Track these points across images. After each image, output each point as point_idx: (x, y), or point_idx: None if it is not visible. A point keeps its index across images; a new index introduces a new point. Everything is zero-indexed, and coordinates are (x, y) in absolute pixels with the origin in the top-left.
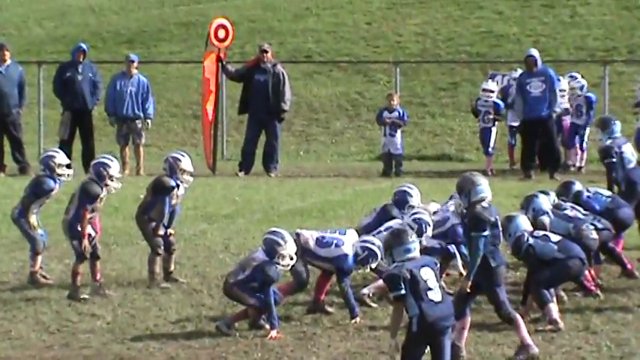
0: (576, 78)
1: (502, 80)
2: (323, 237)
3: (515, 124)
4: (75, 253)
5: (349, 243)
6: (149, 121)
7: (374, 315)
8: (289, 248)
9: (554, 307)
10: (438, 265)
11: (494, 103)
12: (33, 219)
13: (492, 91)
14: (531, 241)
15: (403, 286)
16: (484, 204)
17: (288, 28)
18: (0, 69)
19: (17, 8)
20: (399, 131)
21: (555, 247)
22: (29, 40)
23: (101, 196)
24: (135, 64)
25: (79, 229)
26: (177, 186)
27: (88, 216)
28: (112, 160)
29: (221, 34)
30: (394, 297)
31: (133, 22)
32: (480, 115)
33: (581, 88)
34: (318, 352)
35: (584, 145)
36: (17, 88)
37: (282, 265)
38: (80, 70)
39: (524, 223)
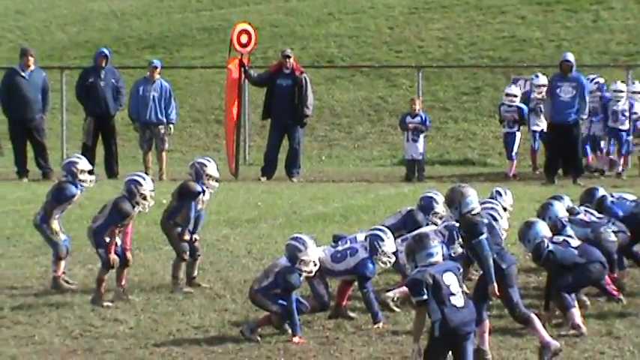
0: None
1: (524, 85)
2: (337, 252)
3: (538, 128)
4: (101, 260)
5: (362, 246)
6: (172, 126)
7: (396, 320)
8: (311, 254)
9: (576, 312)
10: (462, 270)
11: (518, 107)
12: (55, 224)
13: (516, 96)
14: (551, 247)
15: (426, 291)
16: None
17: (311, 33)
18: (24, 74)
19: (40, 13)
20: (421, 136)
21: (576, 252)
22: (52, 46)
23: (132, 214)
24: (158, 70)
25: (104, 239)
26: (203, 191)
27: (117, 230)
28: (144, 179)
29: (244, 39)
30: (417, 302)
31: (155, 27)
32: (504, 120)
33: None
34: (341, 357)
35: (628, 149)
36: (41, 94)
37: (305, 271)
38: (102, 75)
39: (543, 229)
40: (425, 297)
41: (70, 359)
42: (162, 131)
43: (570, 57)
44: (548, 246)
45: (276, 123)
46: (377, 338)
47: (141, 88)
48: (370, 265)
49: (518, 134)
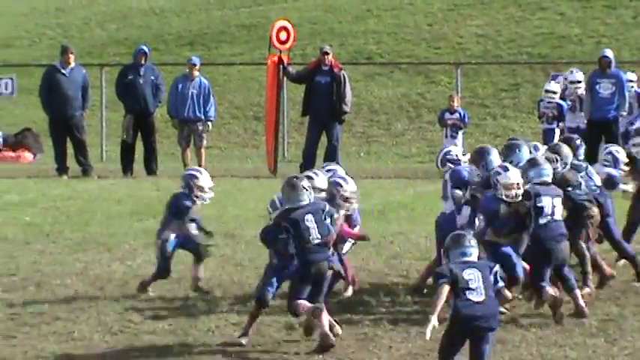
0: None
1: (563, 81)
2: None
3: (574, 125)
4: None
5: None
6: (210, 123)
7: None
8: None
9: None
10: (496, 270)
11: (557, 104)
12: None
13: (555, 92)
14: None
15: (446, 279)
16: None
17: (349, 30)
18: (64, 72)
19: (79, 11)
20: (460, 132)
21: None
22: (91, 43)
23: (191, 207)
24: (197, 67)
25: (166, 248)
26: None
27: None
28: (200, 172)
29: (283, 36)
30: (439, 284)
31: (194, 24)
32: (543, 116)
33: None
34: (380, 354)
35: None
36: (81, 91)
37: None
38: (142, 72)
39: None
40: (444, 280)
41: (109, 356)
42: (201, 128)
43: (609, 53)
44: None
45: (314, 120)
46: (416, 335)
47: (180, 85)
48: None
49: (557, 130)
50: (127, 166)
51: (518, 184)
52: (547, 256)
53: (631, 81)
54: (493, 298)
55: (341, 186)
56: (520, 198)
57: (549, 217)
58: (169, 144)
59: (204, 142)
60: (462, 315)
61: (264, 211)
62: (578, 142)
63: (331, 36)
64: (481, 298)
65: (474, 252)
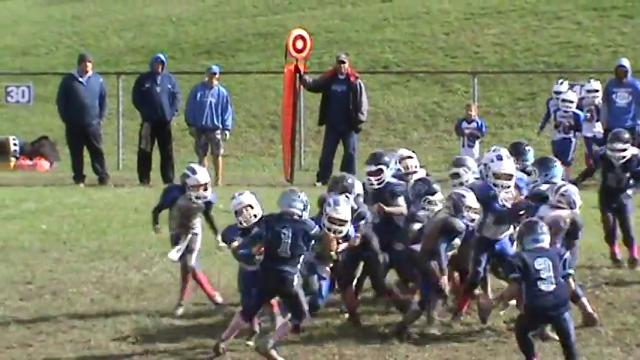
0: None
1: (580, 91)
2: None
3: (591, 134)
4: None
5: None
6: (227, 132)
7: (452, 325)
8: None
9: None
10: (565, 257)
11: (574, 113)
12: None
13: (572, 102)
14: None
15: (518, 271)
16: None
17: (366, 39)
18: (82, 80)
19: (96, 19)
20: (477, 142)
21: None
22: (108, 51)
23: (190, 207)
24: (216, 76)
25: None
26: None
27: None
28: (193, 171)
29: (299, 44)
30: (511, 278)
31: (211, 33)
32: (560, 125)
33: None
34: None
35: None
36: (98, 99)
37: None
38: (159, 81)
39: None
40: (517, 275)
41: None
42: (218, 137)
43: (625, 62)
44: None
45: (330, 128)
46: (432, 344)
47: (199, 93)
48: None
49: (574, 140)
50: (143, 174)
51: (509, 175)
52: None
53: (597, 90)
54: (563, 284)
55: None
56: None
57: None
58: (186, 152)
59: (222, 151)
60: (533, 305)
61: None
62: (527, 147)
63: (348, 45)
64: (552, 288)
65: (546, 239)
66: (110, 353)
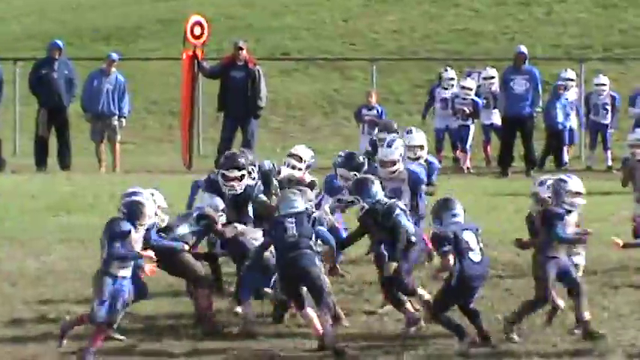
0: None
1: (478, 78)
2: None
3: (488, 122)
4: None
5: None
6: (123, 119)
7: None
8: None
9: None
10: (480, 231)
11: (473, 100)
12: None
13: (471, 89)
14: None
15: (449, 244)
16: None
17: (267, 26)
18: None
19: None
20: (376, 129)
21: None
22: (5, 37)
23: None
24: (115, 63)
25: None
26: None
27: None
28: (145, 199)
29: (197, 31)
30: (441, 253)
31: (110, 19)
32: (458, 112)
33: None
34: None
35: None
36: None
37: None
38: (56, 67)
39: None
40: (448, 248)
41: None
42: (115, 123)
43: (524, 49)
44: None
45: (229, 115)
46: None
47: (95, 80)
48: None
49: (472, 127)
50: (40, 160)
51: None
52: None
53: (492, 77)
54: (486, 257)
55: None
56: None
57: None
58: (83, 139)
59: (118, 137)
60: (467, 275)
61: (178, 206)
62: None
63: (248, 31)
64: (479, 258)
65: (461, 213)
66: (5, 339)
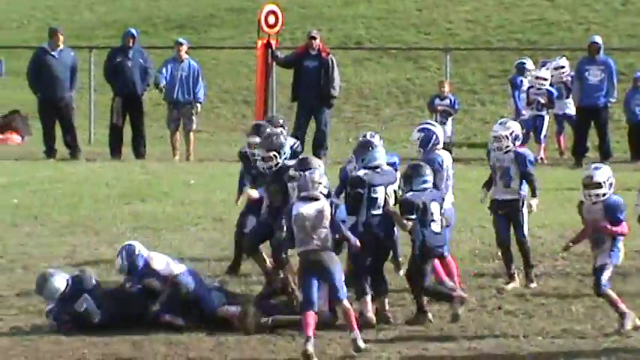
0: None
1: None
2: None
3: (561, 112)
4: None
5: None
6: (199, 105)
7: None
8: None
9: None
10: (444, 200)
11: (548, 90)
12: None
13: (546, 79)
14: None
15: (415, 213)
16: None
17: (339, 15)
18: (53, 53)
19: None
20: (450, 118)
21: None
22: (80, 25)
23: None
24: (184, 48)
25: None
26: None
27: None
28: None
29: (271, 20)
30: (406, 219)
31: (183, 8)
32: (533, 103)
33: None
34: None
35: None
36: (69, 72)
37: None
38: (130, 55)
39: None
40: (414, 217)
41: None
42: (191, 110)
43: (598, 39)
44: None
45: (303, 104)
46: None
47: (170, 67)
48: None
49: (547, 117)
50: (115, 149)
51: None
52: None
53: (563, 67)
54: (445, 227)
55: None
56: None
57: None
58: (158, 127)
59: (194, 126)
60: (427, 244)
61: None
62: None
63: (321, 20)
64: (439, 229)
65: (430, 180)
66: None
